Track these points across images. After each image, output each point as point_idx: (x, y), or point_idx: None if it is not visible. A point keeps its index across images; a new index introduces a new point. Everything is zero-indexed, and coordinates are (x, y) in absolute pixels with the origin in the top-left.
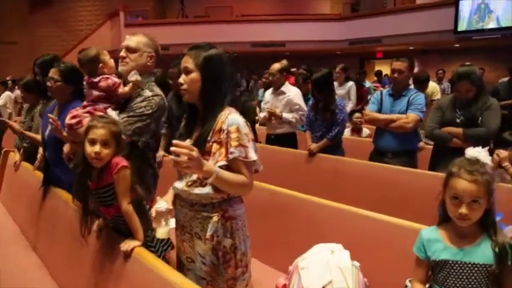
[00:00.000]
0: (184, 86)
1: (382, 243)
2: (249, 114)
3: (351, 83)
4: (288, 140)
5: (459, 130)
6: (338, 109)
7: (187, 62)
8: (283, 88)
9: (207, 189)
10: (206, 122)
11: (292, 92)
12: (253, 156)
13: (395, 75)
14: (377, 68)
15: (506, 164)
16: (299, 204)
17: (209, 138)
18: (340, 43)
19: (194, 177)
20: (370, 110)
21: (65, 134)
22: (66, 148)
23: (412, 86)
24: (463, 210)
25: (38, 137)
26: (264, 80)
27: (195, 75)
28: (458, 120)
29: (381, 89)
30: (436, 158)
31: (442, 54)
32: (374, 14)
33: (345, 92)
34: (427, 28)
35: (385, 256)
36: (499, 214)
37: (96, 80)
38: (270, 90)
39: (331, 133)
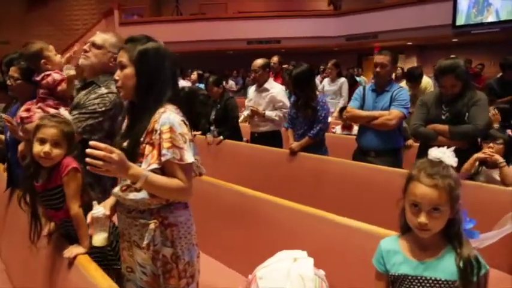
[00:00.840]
0: (119, 83)
1: (352, 250)
2: (231, 112)
3: (342, 79)
4: (272, 138)
5: (445, 127)
6: (319, 106)
7: (122, 57)
8: (266, 85)
9: (142, 194)
10: (141, 121)
11: (275, 89)
12: (189, 158)
13: (378, 69)
14: None
15: (501, 160)
16: (267, 207)
17: (142, 139)
18: (336, 39)
19: (128, 181)
20: (351, 106)
21: (20, 134)
22: (20, 146)
23: (404, 82)
24: (422, 219)
25: (2, 137)
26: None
27: (129, 70)
28: (443, 117)
29: None
30: (422, 157)
31: (441, 50)
32: (370, 9)
33: (337, 88)
34: (424, 23)
35: (353, 265)
36: (471, 221)
37: (39, 77)
38: (253, 87)
39: (312, 131)
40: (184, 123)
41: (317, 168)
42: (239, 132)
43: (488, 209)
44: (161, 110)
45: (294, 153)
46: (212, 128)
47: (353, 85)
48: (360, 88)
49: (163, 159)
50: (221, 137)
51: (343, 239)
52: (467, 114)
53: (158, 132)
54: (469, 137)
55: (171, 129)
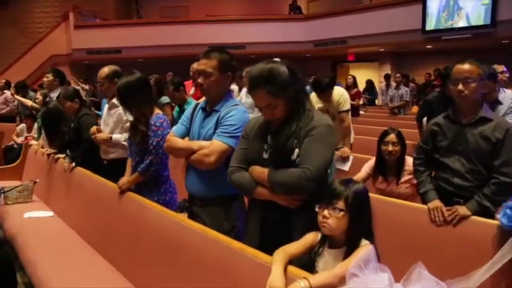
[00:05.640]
0: None
1: None
2: (84, 132)
3: None
4: (122, 167)
5: (263, 172)
6: (151, 130)
7: None
8: (115, 99)
9: None
10: None
11: None
12: None
13: (200, 80)
14: (351, 72)
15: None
16: None
17: None
18: (304, 44)
19: None
20: (172, 132)
21: None
22: None
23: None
24: None
25: None
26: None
27: None
28: (265, 155)
29: None
30: (250, 214)
31: (415, 57)
32: (337, 13)
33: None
34: (394, 27)
35: None
36: None
37: None
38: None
39: (142, 164)
40: None
41: (138, 216)
42: (98, 157)
43: None
44: None
45: (123, 192)
46: (68, 151)
47: None
48: (192, 106)
49: None
50: (73, 164)
51: None
52: (297, 150)
53: None
54: (292, 190)
55: None
